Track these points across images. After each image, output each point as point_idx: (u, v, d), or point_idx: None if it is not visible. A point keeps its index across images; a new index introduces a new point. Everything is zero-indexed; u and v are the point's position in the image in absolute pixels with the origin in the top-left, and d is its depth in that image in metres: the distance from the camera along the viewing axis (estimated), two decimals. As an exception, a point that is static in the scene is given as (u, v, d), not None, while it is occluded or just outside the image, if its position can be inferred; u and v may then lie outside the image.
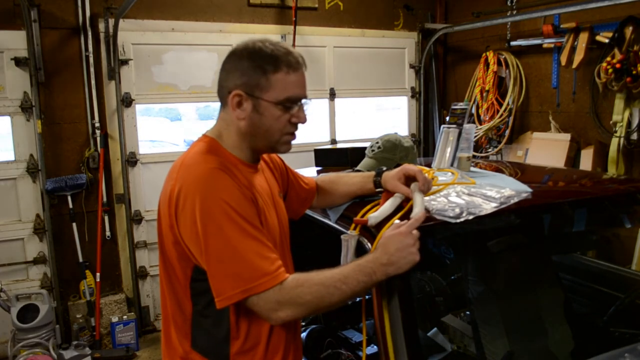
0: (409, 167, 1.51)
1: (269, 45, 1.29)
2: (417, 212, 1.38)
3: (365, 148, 2.08)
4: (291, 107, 1.31)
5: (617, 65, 3.36)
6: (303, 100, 1.34)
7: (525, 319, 1.87)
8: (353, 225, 1.47)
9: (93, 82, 3.84)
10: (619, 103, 3.53)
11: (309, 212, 1.74)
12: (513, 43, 4.38)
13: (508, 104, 4.32)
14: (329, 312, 1.98)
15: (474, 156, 2.19)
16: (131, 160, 4.04)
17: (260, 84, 1.28)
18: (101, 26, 3.82)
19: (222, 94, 1.34)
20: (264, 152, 1.48)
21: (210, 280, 1.22)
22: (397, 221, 1.40)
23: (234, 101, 1.29)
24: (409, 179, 1.51)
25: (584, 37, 3.70)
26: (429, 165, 2.06)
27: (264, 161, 1.51)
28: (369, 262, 1.25)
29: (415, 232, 1.28)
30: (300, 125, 1.36)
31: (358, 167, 1.98)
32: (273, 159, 1.59)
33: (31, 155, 3.74)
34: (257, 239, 1.23)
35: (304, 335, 2.05)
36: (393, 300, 1.35)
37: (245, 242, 1.20)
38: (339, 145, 2.77)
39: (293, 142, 1.39)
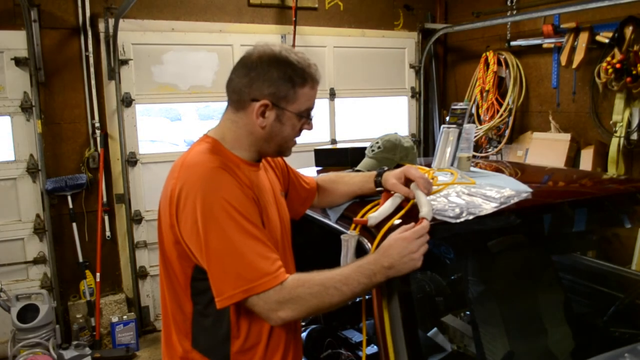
0: (410, 170, 1.51)
1: (293, 56, 1.32)
2: (426, 211, 1.37)
3: (365, 148, 2.07)
4: (307, 117, 1.36)
5: (617, 65, 3.36)
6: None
7: (525, 318, 1.87)
8: (353, 225, 1.47)
9: (93, 82, 3.84)
10: (619, 103, 3.53)
11: (309, 212, 1.74)
12: (513, 43, 4.38)
13: (508, 104, 4.32)
14: (329, 312, 1.98)
15: (474, 156, 2.19)
16: (131, 160, 4.04)
17: (288, 96, 1.31)
18: (101, 26, 3.82)
19: (240, 99, 1.33)
20: (270, 156, 1.51)
21: (210, 279, 1.22)
22: (397, 221, 1.40)
23: (259, 110, 1.31)
24: (409, 181, 1.50)
25: (584, 37, 3.70)
26: (429, 165, 2.06)
27: (265, 160, 1.52)
28: (369, 264, 1.25)
29: (422, 238, 1.28)
30: None
31: (358, 167, 1.98)
32: (274, 158, 1.59)
33: (31, 155, 3.74)
34: (258, 238, 1.23)
35: (304, 335, 2.05)
36: (393, 300, 1.35)
37: (246, 242, 1.20)
38: (339, 145, 2.77)
39: None
